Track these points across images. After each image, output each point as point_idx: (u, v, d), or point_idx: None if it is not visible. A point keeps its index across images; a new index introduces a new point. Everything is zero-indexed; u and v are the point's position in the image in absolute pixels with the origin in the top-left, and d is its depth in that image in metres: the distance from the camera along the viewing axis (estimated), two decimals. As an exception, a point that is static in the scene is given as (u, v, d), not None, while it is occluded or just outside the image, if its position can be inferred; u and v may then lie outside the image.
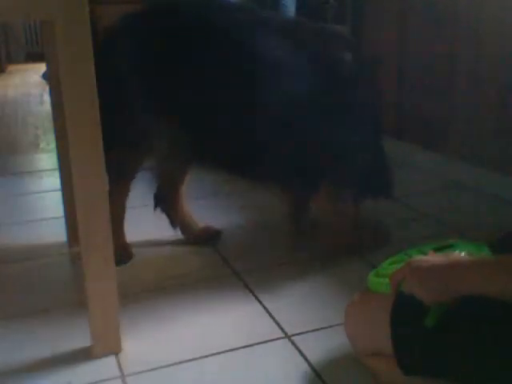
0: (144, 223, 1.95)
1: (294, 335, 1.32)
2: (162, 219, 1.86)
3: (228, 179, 2.32)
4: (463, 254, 1.00)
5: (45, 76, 4.69)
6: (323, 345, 1.28)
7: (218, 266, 1.67)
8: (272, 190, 1.73)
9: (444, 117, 2.32)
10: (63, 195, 1.78)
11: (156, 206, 1.84)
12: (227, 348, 1.28)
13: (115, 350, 1.26)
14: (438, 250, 1.05)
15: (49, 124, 3.28)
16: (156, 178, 1.80)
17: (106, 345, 1.26)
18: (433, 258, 0.95)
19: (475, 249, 1.02)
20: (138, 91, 1.56)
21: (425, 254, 1.06)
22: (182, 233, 1.84)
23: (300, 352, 1.26)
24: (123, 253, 1.69)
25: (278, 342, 1.31)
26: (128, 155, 1.65)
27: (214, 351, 1.27)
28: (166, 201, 1.83)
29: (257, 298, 1.49)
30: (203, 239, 1.82)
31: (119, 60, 1.59)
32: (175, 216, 1.84)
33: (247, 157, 1.58)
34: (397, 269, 1.00)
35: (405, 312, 1.03)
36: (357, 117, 1.58)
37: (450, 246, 1.05)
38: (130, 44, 1.57)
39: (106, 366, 1.23)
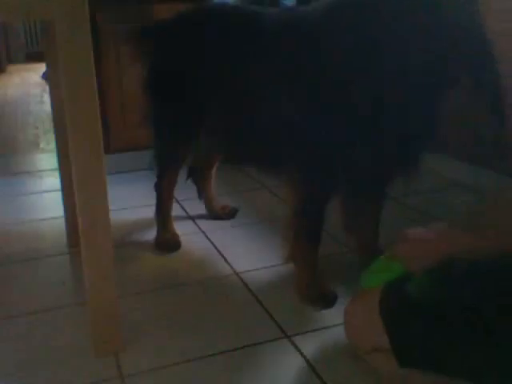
0: (145, 223, 1.95)
1: (294, 335, 1.32)
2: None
3: (229, 181, 2.33)
4: None
5: (45, 76, 4.70)
6: (323, 345, 1.28)
7: (218, 265, 1.67)
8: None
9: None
10: (63, 195, 1.79)
11: (188, 176, 1.99)
12: (227, 348, 1.28)
13: (115, 350, 1.26)
14: None
15: (49, 124, 3.29)
16: (192, 154, 1.90)
17: (106, 345, 1.26)
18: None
19: None
20: (191, 88, 1.62)
21: None
22: (206, 207, 2.03)
23: (300, 352, 1.26)
24: (174, 241, 1.81)
25: (277, 341, 1.31)
26: (179, 144, 1.76)
27: (214, 351, 1.27)
28: (198, 174, 1.99)
29: (257, 298, 1.49)
30: (222, 215, 2.01)
31: (172, 58, 1.67)
32: (203, 189, 2.01)
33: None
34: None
35: (391, 303, 1.06)
36: None
37: None
38: (184, 41, 1.62)
39: (106, 365, 1.23)
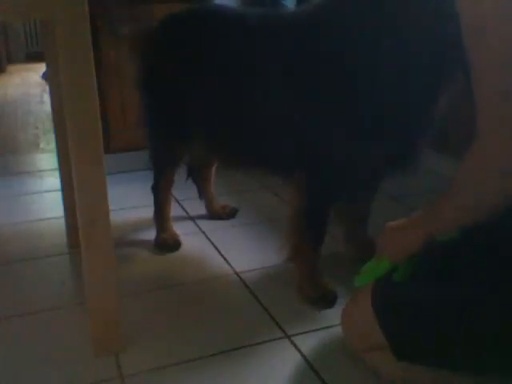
0: (144, 223, 1.95)
1: (294, 335, 1.32)
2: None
3: (229, 181, 2.33)
4: None
5: (45, 76, 4.70)
6: (323, 345, 1.28)
7: (218, 265, 1.67)
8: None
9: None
10: (63, 195, 1.79)
11: (188, 176, 1.98)
12: (227, 348, 1.28)
13: (115, 350, 1.26)
14: None
15: (49, 124, 3.29)
16: (190, 154, 1.89)
17: (106, 345, 1.26)
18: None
19: None
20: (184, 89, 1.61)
21: None
22: (206, 206, 2.02)
23: (300, 352, 1.26)
24: (173, 240, 1.80)
25: (277, 341, 1.31)
26: (174, 145, 1.75)
27: (214, 351, 1.27)
28: (198, 173, 1.98)
29: (257, 297, 1.49)
30: (222, 215, 2.01)
31: (162, 58, 1.66)
32: (203, 188, 2.00)
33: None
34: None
35: (381, 297, 1.07)
36: None
37: None
38: (179, 42, 1.62)
39: (106, 365, 1.23)
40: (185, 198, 2.16)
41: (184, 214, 2.07)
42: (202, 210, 2.04)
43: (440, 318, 0.98)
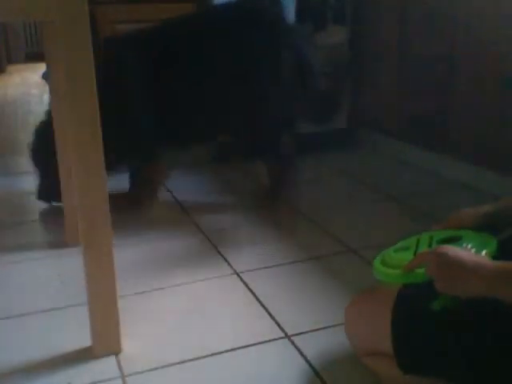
0: (144, 223, 1.95)
1: (293, 335, 1.32)
2: (163, 219, 1.85)
3: (229, 181, 2.33)
4: (469, 246, 0.99)
5: (45, 76, 4.69)
6: (323, 345, 1.28)
7: (218, 265, 1.67)
8: None
9: (444, 117, 2.32)
10: (63, 195, 1.78)
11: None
12: (227, 348, 1.28)
13: (115, 350, 1.26)
14: (446, 240, 1.03)
15: (49, 124, 3.28)
16: None
17: (106, 345, 1.26)
18: (462, 251, 0.92)
19: (482, 242, 1.01)
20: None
21: (432, 240, 1.05)
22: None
23: (300, 352, 1.26)
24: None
25: (278, 341, 1.31)
26: None
27: (214, 351, 1.27)
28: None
29: (257, 298, 1.49)
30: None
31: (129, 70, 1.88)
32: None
33: None
34: (420, 253, 1.00)
35: (405, 312, 1.03)
36: None
37: (460, 238, 1.03)
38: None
39: (106, 365, 1.23)
40: (184, 198, 2.16)
41: (184, 214, 2.07)
42: (202, 211, 2.03)
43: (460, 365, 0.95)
